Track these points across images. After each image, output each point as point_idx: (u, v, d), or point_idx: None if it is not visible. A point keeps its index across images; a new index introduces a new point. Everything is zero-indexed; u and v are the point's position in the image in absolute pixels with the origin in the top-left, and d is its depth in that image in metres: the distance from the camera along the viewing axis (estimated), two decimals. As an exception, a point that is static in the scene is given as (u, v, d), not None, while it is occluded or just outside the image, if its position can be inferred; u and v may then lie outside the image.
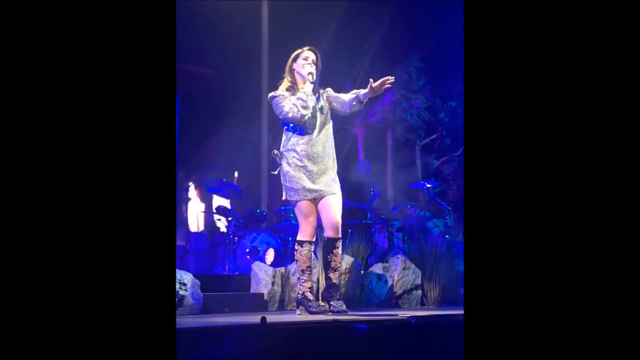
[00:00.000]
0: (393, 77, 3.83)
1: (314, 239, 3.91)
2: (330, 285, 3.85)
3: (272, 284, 4.77)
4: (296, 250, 3.88)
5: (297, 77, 3.94)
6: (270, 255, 6.32)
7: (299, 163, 3.81)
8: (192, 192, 8.86)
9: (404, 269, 5.21)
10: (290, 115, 3.77)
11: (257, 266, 4.94)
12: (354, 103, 3.88)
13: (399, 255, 5.29)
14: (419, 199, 9.10)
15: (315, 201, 3.84)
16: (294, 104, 3.78)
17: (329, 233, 3.85)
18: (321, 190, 3.81)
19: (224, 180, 6.76)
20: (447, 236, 6.92)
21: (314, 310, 3.74)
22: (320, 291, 4.11)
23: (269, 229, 6.98)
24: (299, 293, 3.88)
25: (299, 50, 3.97)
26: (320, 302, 3.84)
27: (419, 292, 5.22)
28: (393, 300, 5.12)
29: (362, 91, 3.87)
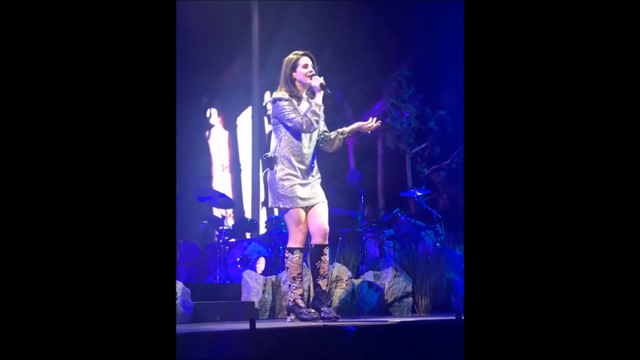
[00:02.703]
0: (379, 123, 4.03)
1: (304, 246, 3.91)
2: (319, 293, 3.85)
3: (263, 292, 4.76)
4: (287, 257, 3.87)
5: (299, 85, 3.90)
6: (261, 264, 6.31)
7: (293, 171, 3.81)
8: (215, 119, 8.96)
9: (394, 276, 5.22)
10: (304, 127, 3.76)
11: (248, 275, 4.93)
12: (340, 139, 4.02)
13: (390, 263, 5.30)
14: (410, 207, 9.12)
15: (306, 209, 3.85)
16: (307, 117, 3.76)
17: (317, 240, 3.86)
18: (313, 198, 3.85)
19: (214, 189, 6.76)
20: (437, 244, 6.94)
21: (305, 317, 3.74)
22: (310, 299, 4.11)
23: (259, 237, 6.98)
24: (289, 300, 3.87)
25: (294, 57, 3.91)
26: (311, 309, 3.83)
27: (410, 299, 5.23)
28: (384, 308, 5.12)
29: (347, 129, 4.00)
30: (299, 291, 3.84)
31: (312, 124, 3.77)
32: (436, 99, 10.20)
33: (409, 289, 5.24)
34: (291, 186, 3.79)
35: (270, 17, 8.77)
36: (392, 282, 5.19)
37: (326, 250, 3.87)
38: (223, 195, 6.84)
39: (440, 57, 9.61)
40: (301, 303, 3.81)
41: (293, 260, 3.84)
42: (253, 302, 4.70)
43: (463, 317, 2.90)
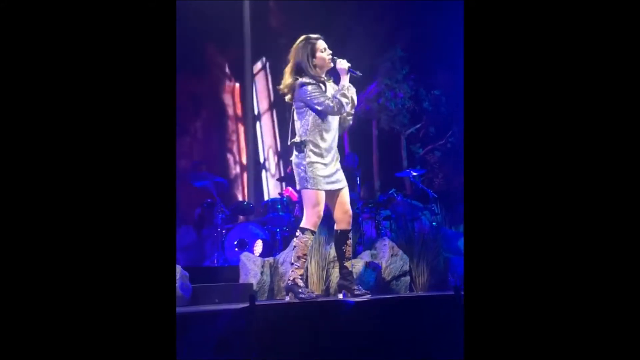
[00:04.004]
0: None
1: (316, 230, 3.95)
2: (347, 274, 3.99)
3: (261, 274, 4.79)
4: (297, 236, 3.91)
5: (319, 70, 3.95)
6: (258, 246, 6.33)
7: (320, 153, 3.87)
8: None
9: (392, 255, 5.24)
10: (336, 109, 3.84)
11: (245, 257, 4.95)
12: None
13: (387, 243, 5.33)
14: (406, 187, 9.13)
15: (329, 192, 3.92)
16: (338, 99, 3.83)
17: (343, 225, 4.00)
18: (337, 182, 3.94)
19: (210, 173, 6.75)
20: (433, 223, 6.96)
21: (303, 296, 3.77)
22: (335, 282, 4.28)
23: (256, 220, 6.98)
24: (289, 279, 3.90)
25: (309, 42, 3.93)
26: (308, 288, 3.88)
27: (408, 278, 5.26)
28: (382, 287, 5.15)
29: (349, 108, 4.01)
30: (300, 271, 3.88)
31: (342, 105, 3.86)
32: (430, 79, 10.16)
33: (406, 267, 5.26)
34: (316, 168, 3.85)
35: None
36: (389, 261, 5.22)
37: (351, 235, 4.03)
38: (219, 179, 6.84)
39: (433, 36, 9.57)
40: (300, 283, 3.86)
41: (302, 240, 3.88)
42: (251, 284, 4.73)
43: (462, 293, 2.92)
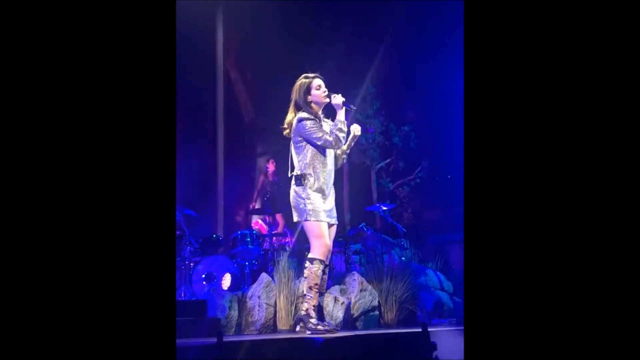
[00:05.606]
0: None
1: (325, 259, 3.98)
2: (317, 308, 3.98)
3: (229, 308, 4.73)
4: (306, 267, 3.95)
5: (315, 106, 4.07)
6: (226, 280, 6.26)
7: (318, 187, 3.96)
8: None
9: (360, 290, 5.23)
10: (333, 143, 3.96)
11: (213, 290, 4.89)
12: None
13: (356, 277, 5.32)
14: (375, 221, 9.17)
15: (328, 225, 3.99)
16: (335, 134, 3.94)
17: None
18: (333, 218, 4.05)
19: (179, 204, 6.68)
20: (402, 258, 6.99)
21: (313, 328, 3.81)
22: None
23: (225, 254, 6.92)
24: (302, 310, 3.93)
25: (306, 81, 4.06)
26: (320, 322, 3.92)
27: (376, 313, 5.25)
28: (350, 322, 5.13)
29: (345, 146, 4.18)
30: (313, 302, 3.92)
31: (339, 140, 3.97)
32: (400, 114, 10.32)
33: (375, 303, 5.26)
34: (316, 201, 3.93)
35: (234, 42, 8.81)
36: (358, 296, 5.20)
37: (327, 270, 4.07)
38: (188, 211, 6.78)
39: (403, 73, 9.75)
40: (313, 314, 3.89)
41: (312, 270, 3.92)
42: (219, 319, 4.66)
43: (429, 329, 2.93)
